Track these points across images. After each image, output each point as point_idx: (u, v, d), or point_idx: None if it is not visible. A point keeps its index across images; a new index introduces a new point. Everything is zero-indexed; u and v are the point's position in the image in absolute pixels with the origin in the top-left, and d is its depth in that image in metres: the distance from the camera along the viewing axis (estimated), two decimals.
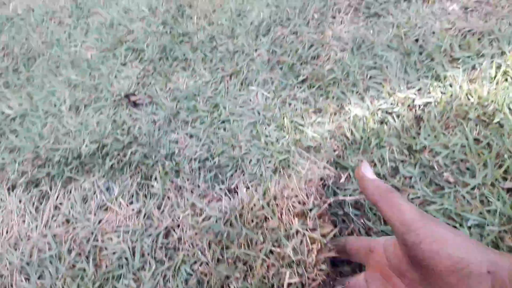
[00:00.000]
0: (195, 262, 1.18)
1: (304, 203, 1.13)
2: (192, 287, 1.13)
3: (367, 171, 1.00)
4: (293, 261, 1.03)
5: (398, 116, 1.49)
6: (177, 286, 1.14)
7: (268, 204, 1.19)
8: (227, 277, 1.12)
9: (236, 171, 1.44)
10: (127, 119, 1.68)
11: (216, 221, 1.25)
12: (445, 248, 0.72)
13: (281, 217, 1.15)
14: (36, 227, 1.37)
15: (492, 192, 1.24)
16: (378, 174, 1.33)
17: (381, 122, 1.49)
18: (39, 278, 1.23)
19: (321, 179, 1.32)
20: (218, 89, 1.74)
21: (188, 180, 1.42)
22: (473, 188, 1.26)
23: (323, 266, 1.04)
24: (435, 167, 1.33)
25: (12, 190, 1.52)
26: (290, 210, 1.14)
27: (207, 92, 1.73)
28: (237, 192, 1.37)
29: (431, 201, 1.24)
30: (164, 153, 1.52)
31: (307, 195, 1.16)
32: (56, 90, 1.94)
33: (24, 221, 1.39)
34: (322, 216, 1.13)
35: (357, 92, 1.60)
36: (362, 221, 1.23)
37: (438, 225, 0.77)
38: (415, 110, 1.50)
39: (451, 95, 1.51)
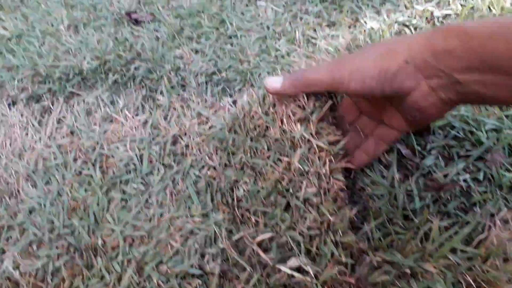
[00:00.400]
0: (203, 167, 1.24)
1: (304, 107, 1.08)
2: (202, 189, 1.19)
3: (274, 83, 1.03)
4: (306, 171, 1.05)
5: (415, 29, 1.50)
6: (186, 188, 1.19)
7: (266, 112, 1.17)
8: (236, 181, 1.18)
9: (244, 85, 1.48)
10: (129, 36, 1.70)
11: (221, 129, 1.29)
12: (367, 72, 0.83)
13: (282, 125, 1.13)
14: (40, 139, 1.42)
15: None
16: None
17: (397, 33, 1.51)
18: (46, 184, 1.29)
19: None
20: (223, 5, 1.75)
21: (194, 94, 1.46)
22: None
23: (339, 176, 1.05)
24: None
25: (13, 105, 1.56)
26: (291, 117, 1.11)
27: (212, 9, 1.74)
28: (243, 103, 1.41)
29: None
30: (169, 68, 1.55)
31: (307, 98, 1.09)
32: (52, 11, 1.95)
33: (27, 134, 1.45)
34: (325, 119, 1.11)
35: (372, 6, 1.61)
36: None
37: (351, 59, 0.89)
38: (434, 23, 1.51)
39: (472, 7, 1.51)
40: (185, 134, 1.32)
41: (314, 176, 1.04)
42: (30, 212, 1.24)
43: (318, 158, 1.06)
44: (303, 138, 1.08)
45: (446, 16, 1.51)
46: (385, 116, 1.02)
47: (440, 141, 1.22)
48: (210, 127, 1.32)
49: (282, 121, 1.13)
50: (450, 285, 0.97)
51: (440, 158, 1.20)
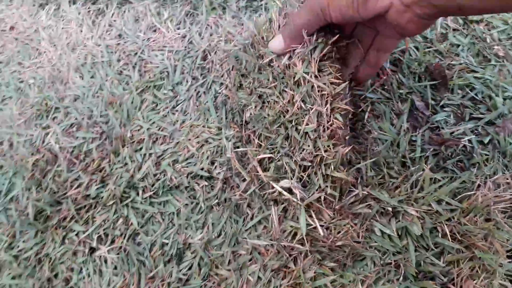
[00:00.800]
0: (222, 84, 1.33)
1: (306, 45, 1.03)
2: (219, 104, 1.29)
3: (278, 45, 1.05)
4: (307, 109, 1.06)
5: None
6: (207, 102, 1.30)
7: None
8: (245, 105, 1.22)
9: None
10: None
11: (239, 49, 1.34)
12: (341, 1, 0.86)
13: (285, 59, 1.10)
14: (92, 37, 1.55)
15: None
16: (425, 38, 1.37)
17: None
18: (91, 77, 1.43)
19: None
20: None
21: (233, 17, 1.52)
22: None
23: (338, 116, 1.06)
24: (488, 39, 1.34)
25: (73, 4, 1.68)
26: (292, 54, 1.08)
27: None
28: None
29: (473, 70, 1.28)
30: None
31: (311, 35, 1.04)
32: None
33: (81, 31, 1.57)
34: (328, 54, 1.06)
35: None
36: (398, 76, 1.30)
37: None
38: None
39: None
40: (213, 51, 1.40)
41: (315, 113, 1.06)
42: (75, 99, 1.40)
43: (321, 96, 1.06)
44: (303, 78, 1.07)
45: None
46: (378, 26, 1.01)
47: (457, 100, 1.24)
48: (234, 46, 1.39)
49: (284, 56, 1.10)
50: (426, 230, 1.05)
51: (452, 116, 1.22)
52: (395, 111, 1.25)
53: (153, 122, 1.29)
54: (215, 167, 1.20)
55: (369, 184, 1.10)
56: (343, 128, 1.08)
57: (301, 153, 1.07)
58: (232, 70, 1.33)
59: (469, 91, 1.25)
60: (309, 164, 1.06)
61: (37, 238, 1.16)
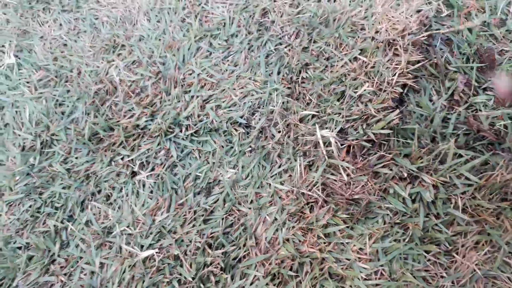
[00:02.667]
0: (281, 44, 1.29)
1: (404, 29, 1.15)
2: (272, 62, 1.26)
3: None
4: (375, 72, 1.10)
5: None
6: (258, 56, 1.28)
7: (371, 15, 1.21)
8: (307, 64, 1.23)
9: None
10: None
11: (313, 17, 1.32)
12: None
13: (378, 33, 1.17)
14: None
15: None
16: (483, 22, 1.26)
17: None
18: (157, 21, 1.45)
19: (427, 11, 1.28)
20: None
21: None
22: None
23: (398, 89, 1.09)
24: None
25: None
26: (389, 31, 1.16)
27: None
28: None
29: None
30: None
31: (410, 22, 1.17)
32: None
33: None
34: (415, 44, 1.15)
35: None
36: (447, 55, 1.22)
37: None
38: None
39: None
40: (274, 10, 1.37)
41: (378, 79, 1.09)
42: (140, 39, 1.42)
43: (395, 66, 1.11)
44: (393, 44, 1.15)
45: None
46: None
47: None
48: (299, 11, 1.35)
49: (379, 30, 1.18)
50: (440, 200, 1.00)
51: (493, 100, 1.13)
52: (436, 88, 1.18)
53: (204, 69, 1.29)
54: (255, 117, 1.19)
55: (395, 151, 1.06)
56: (398, 98, 1.11)
57: (349, 110, 1.09)
58: (297, 34, 1.30)
59: None
60: (357, 119, 1.06)
61: (88, 157, 1.22)
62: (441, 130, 1.09)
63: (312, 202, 1.00)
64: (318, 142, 1.05)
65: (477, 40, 1.20)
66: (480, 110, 1.11)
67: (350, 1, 1.28)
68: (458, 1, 1.27)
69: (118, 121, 1.24)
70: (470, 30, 1.22)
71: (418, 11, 1.24)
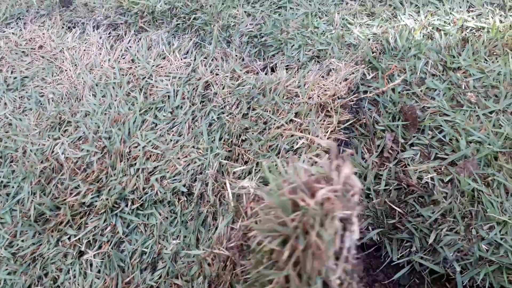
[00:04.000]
0: (223, 113, 1.33)
1: (334, 94, 1.25)
2: (214, 130, 1.29)
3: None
4: (309, 129, 1.17)
5: (446, 34, 1.43)
6: (201, 125, 1.30)
7: (304, 84, 1.31)
8: (246, 129, 1.27)
9: (277, 52, 1.51)
10: None
11: (252, 88, 1.37)
12: None
13: (311, 98, 1.26)
14: (108, 60, 1.58)
15: (508, 120, 1.21)
16: (405, 81, 1.34)
17: (428, 37, 1.45)
18: (102, 96, 1.46)
19: (353, 78, 1.36)
20: None
21: (235, 50, 1.53)
22: (491, 112, 1.24)
23: (331, 143, 1.16)
24: (463, 86, 1.30)
25: (96, 29, 1.73)
26: (320, 96, 1.26)
27: None
28: (274, 70, 1.47)
29: (445, 113, 1.25)
30: (222, 23, 1.62)
31: (339, 88, 1.27)
32: None
33: (100, 54, 1.61)
34: (344, 106, 1.25)
35: (415, 5, 1.54)
36: (374, 115, 1.28)
37: None
38: (466, 33, 1.43)
39: (511, 26, 1.41)
40: (216, 83, 1.41)
41: (311, 136, 1.16)
42: (86, 115, 1.42)
43: (327, 125, 1.20)
44: (325, 106, 1.23)
45: (479, 29, 1.41)
46: None
47: (425, 140, 1.21)
48: (239, 84, 1.39)
49: (311, 96, 1.28)
50: None
51: (419, 154, 1.19)
52: (367, 146, 1.23)
53: (149, 141, 1.30)
54: (195, 184, 1.19)
55: None
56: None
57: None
58: (238, 104, 1.34)
59: (438, 133, 1.21)
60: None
61: (34, 239, 1.17)
62: (374, 187, 1.12)
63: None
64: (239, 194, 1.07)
65: (400, 98, 1.28)
66: (408, 165, 1.16)
67: (285, 73, 1.34)
68: (382, 64, 1.35)
69: (64, 200, 1.22)
70: (393, 90, 1.29)
71: (346, 79, 1.30)
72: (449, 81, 1.32)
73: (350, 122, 1.24)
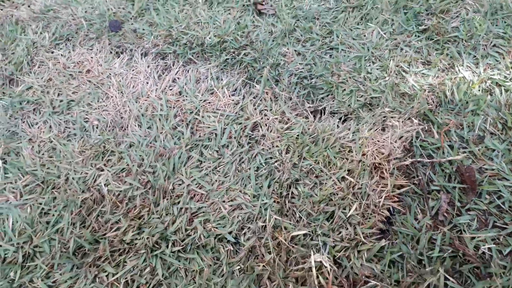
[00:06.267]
0: (271, 158, 1.34)
1: (389, 154, 1.27)
2: (262, 175, 1.30)
3: None
4: (363, 193, 1.19)
5: (507, 91, 1.42)
6: (249, 168, 1.32)
7: (358, 139, 1.33)
8: (297, 180, 1.28)
9: (328, 95, 1.53)
10: (249, 23, 1.82)
11: (302, 133, 1.39)
12: None
13: (364, 156, 1.28)
14: (156, 90, 1.62)
15: None
16: (462, 137, 1.33)
17: (486, 91, 1.44)
18: (148, 127, 1.49)
19: (410, 136, 1.36)
20: (337, 17, 1.78)
21: (284, 90, 1.55)
22: None
23: (384, 211, 1.19)
24: None
25: (144, 57, 1.78)
26: (374, 155, 1.28)
27: (326, 18, 1.79)
28: (322, 114, 1.48)
29: (504, 177, 1.23)
30: (271, 61, 1.65)
31: (394, 148, 1.29)
32: None
33: (147, 82, 1.66)
34: (399, 168, 1.27)
35: (474, 56, 1.54)
36: (429, 172, 1.27)
37: None
38: None
39: None
40: (266, 125, 1.43)
41: (366, 201, 1.19)
42: (130, 146, 1.46)
43: (381, 189, 1.21)
44: (379, 167, 1.25)
45: None
46: None
47: (483, 205, 1.19)
48: (288, 128, 1.41)
49: (366, 154, 1.30)
50: None
51: (476, 220, 1.17)
52: (420, 206, 1.22)
53: (194, 179, 1.32)
54: (244, 233, 1.20)
55: (384, 279, 1.07)
56: (385, 221, 1.20)
57: (339, 233, 1.15)
58: (287, 149, 1.36)
59: (496, 199, 1.19)
60: (347, 245, 1.12)
61: (72, 273, 1.19)
62: (427, 252, 1.10)
63: None
64: (311, 267, 1.06)
65: (457, 156, 1.25)
66: (464, 231, 1.14)
67: (337, 121, 1.35)
68: (438, 118, 1.35)
69: (104, 234, 1.24)
70: (451, 146, 1.28)
71: (401, 136, 1.31)
72: (509, 142, 1.30)
73: (405, 188, 1.24)
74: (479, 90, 1.43)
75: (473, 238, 1.13)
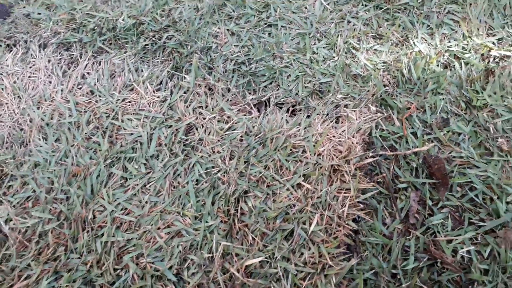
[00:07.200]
0: (212, 167, 1.16)
1: (348, 153, 1.13)
2: (203, 190, 1.11)
3: None
4: (323, 202, 1.06)
5: (466, 64, 1.33)
6: (187, 183, 1.13)
7: (312, 136, 1.17)
8: (246, 192, 1.11)
9: (271, 83, 1.36)
10: (170, 0, 1.57)
11: (247, 134, 1.21)
12: None
13: (320, 156, 1.14)
14: (61, 91, 1.36)
15: None
16: (425, 122, 1.22)
17: (445, 66, 1.34)
18: (56, 140, 1.24)
19: (369, 128, 1.23)
20: None
21: (220, 80, 1.35)
22: None
23: (350, 223, 1.05)
24: (491, 129, 1.20)
25: (43, 49, 1.49)
26: (331, 154, 1.14)
27: None
28: (267, 106, 1.31)
29: (474, 165, 1.14)
30: (201, 45, 1.43)
31: (353, 144, 1.16)
32: None
33: (50, 82, 1.39)
34: (362, 168, 1.14)
35: (428, 26, 1.42)
36: (393, 167, 1.15)
37: None
38: (488, 62, 1.33)
39: None
40: (202, 126, 1.23)
41: (328, 212, 1.04)
42: (35, 166, 1.20)
43: (344, 195, 1.07)
44: (338, 170, 1.11)
45: (504, 58, 1.32)
46: None
47: (455, 200, 1.09)
48: (229, 127, 1.22)
49: (321, 153, 1.15)
50: None
51: (449, 219, 1.07)
52: (388, 209, 1.10)
53: (119, 203, 1.11)
54: (187, 267, 1.02)
55: None
56: (353, 235, 1.06)
57: (301, 256, 1.01)
58: (231, 156, 1.18)
59: (469, 191, 1.10)
60: (312, 271, 0.98)
61: None
62: (401, 264, 1.00)
63: None
64: None
65: (422, 145, 1.15)
66: (439, 232, 1.05)
67: (285, 118, 1.19)
68: (397, 102, 1.23)
69: (11, 286, 1.00)
70: (415, 134, 1.17)
71: (359, 129, 1.18)
72: (474, 123, 1.22)
73: (371, 193, 1.11)
74: (437, 66, 1.32)
75: (449, 241, 1.03)
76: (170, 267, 1.01)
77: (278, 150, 1.15)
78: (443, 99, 1.26)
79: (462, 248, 1.02)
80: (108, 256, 1.04)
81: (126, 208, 1.11)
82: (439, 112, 1.24)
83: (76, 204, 1.11)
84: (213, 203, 1.10)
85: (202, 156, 1.18)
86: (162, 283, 1.00)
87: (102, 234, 1.07)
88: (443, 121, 1.23)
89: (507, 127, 1.21)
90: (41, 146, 1.23)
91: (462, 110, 1.25)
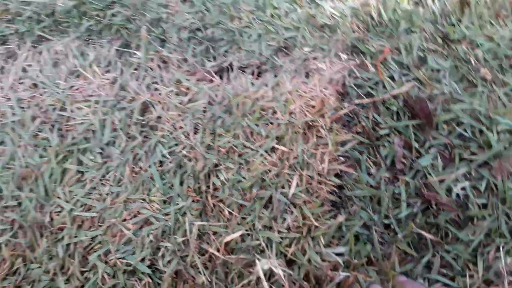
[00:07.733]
0: (176, 145, 1.06)
1: (321, 107, 1.05)
2: (168, 171, 1.02)
3: None
4: (301, 162, 0.98)
5: (433, 1, 1.25)
6: (149, 166, 1.03)
7: (280, 95, 1.09)
8: (216, 166, 1.02)
9: (231, 46, 1.26)
10: None
11: (211, 104, 1.11)
12: None
13: (292, 115, 1.06)
14: (1, 89, 1.24)
15: None
16: (401, 63, 1.14)
17: (417, 3, 1.26)
18: (0, 143, 1.13)
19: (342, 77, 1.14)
20: None
21: (175, 51, 1.25)
22: None
23: (333, 179, 0.98)
24: (472, 61, 1.13)
25: None
26: (304, 110, 1.05)
27: None
28: (229, 71, 1.21)
29: (458, 99, 1.07)
30: (150, 18, 1.32)
31: (326, 97, 1.08)
32: None
33: None
34: (337, 120, 1.06)
35: None
36: (372, 113, 1.07)
37: None
38: None
39: None
40: (159, 103, 1.13)
41: (307, 172, 0.96)
42: None
43: (322, 153, 0.99)
44: (313, 126, 1.03)
45: None
46: None
47: (442, 138, 1.02)
48: (190, 100, 1.12)
49: (293, 112, 1.06)
50: None
51: (439, 158, 1.00)
52: (372, 159, 1.03)
53: (78, 200, 1.01)
54: (162, 256, 0.93)
55: (354, 265, 0.89)
56: (336, 192, 1.00)
57: (283, 222, 0.93)
58: (196, 129, 1.08)
59: (456, 126, 1.03)
60: (297, 235, 0.91)
61: None
62: (393, 213, 0.92)
63: None
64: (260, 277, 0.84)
65: (401, 87, 1.07)
66: (430, 174, 0.97)
67: (251, 81, 1.10)
68: (369, 46, 1.15)
69: None
70: (392, 77, 1.09)
71: (331, 80, 1.09)
72: (453, 57, 1.14)
73: (351, 145, 1.03)
74: (409, 4, 1.24)
75: (442, 181, 0.96)
76: (143, 259, 0.92)
77: (246, 115, 1.06)
78: (418, 37, 1.18)
79: (456, 186, 0.95)
80: (72, 259, 0.94)
81: (85, 204, 1.00)
82: (415, 52, 1.16)
83: (30, 209, 1.00)
84: (181, 183, 1.01)
85: (163, 135, 1.08)
86: (136, 277, 0.91)
87: (63, 237, 0.97)
88: (420, 60, 1.15)
89: (489, 56, 1.14)
90: None
91: (439, 46, 1.17)
